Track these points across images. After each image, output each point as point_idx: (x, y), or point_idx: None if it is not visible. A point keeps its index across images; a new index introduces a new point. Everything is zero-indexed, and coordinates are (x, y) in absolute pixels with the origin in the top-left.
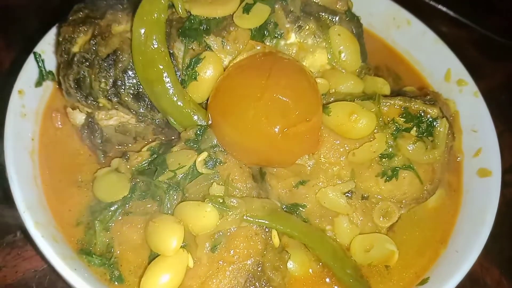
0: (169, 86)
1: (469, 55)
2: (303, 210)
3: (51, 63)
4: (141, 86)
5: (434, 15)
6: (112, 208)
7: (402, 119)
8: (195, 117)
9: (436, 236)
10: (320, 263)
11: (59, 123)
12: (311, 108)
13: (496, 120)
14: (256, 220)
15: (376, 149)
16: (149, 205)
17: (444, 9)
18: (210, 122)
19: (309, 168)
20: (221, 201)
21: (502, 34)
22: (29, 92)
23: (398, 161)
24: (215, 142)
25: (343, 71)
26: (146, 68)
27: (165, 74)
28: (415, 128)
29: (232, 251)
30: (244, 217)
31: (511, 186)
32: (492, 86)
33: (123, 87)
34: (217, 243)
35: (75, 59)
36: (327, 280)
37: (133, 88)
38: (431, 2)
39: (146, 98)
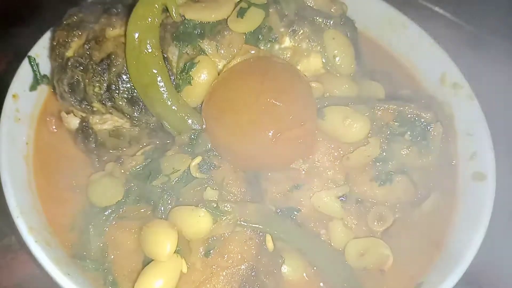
0: (163, 90)
1: (464, 58)
2: (298, 214)
3: (45, 67)
4: (135, 91)
5: (430, 17)
6: (106, 213)
7: (396, 123)
8: (190, 121)
9: (430, 240)
10: (315, 268)
11: (54, 127)
12: (305, 112)
13: (492, 124)
14: (250, 224)
15: (370, 153)
16: (143, 210)
17: (440, 11)
18: (204, 126)
19: (303, 172)
20: (215, 205)
21: (498, 37)
22: (23, 96)
23: (392, 166)
24: (210, 146)
25: (338, 75)
26: (140, 73)
27: (159, 79)
28: (409, 133)
29: (226, 256)
30: (238, 222)
31: (507, 190)
32: (488, 90)
33: (117, 92)
34: (211, 248)
35: (69, 63)
36: (321, 284)
37: (127, 93)
38: (428, 4)
39: (140, 102)
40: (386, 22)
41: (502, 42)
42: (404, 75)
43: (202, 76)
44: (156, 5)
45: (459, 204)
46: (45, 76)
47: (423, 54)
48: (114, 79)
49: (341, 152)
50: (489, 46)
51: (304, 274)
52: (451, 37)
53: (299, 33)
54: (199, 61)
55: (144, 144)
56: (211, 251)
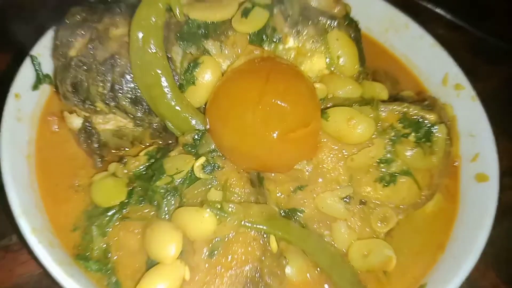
0: (167, 90)
1: (466, 59)
2: (301, 215)
3: (48, 66)
4: (138, 91)
5: (431, 18)
6: (109, 213)
7: (400, 124)
8: (193, 122)
9: (434, 241)
10: (318, 269)
11: (56, 127)
12: (309, 113)
13: (493, 124)
14: (254, 225)
15: (374, 155)
16: (146, 210)
17: (442, 12)
18: (208, 126)
19: (307, 173)
20: (219, 206)
21: (499, 38)
22: (25, 95)
23: (396, 167)
24: (213, 147)
25: (342, 76)
26: (144, 73)
27: (163, 79)
28: (413, 134)
29: (230, 256)
30: (242, 223)
31: (509, 190)
32: (489, 90)
33: (120, 91)
34: (215, 248)
35: (73, 63)
36: (325, 286)
37: (130, 93)
38: (429, 6)
39: (143, 103)
40: (388, 22)
41: (503, 43)
42: (406, 76)
43: (206, 76)
44: (160, 5)
45: (462, 205)
46: (47, 75)
47: (425, 55)
48: (118, 79)
49: (345, 153)
50: (490, 47)
51: (308, 275)
52: (452, 38)
53: (303, 34)
54: (203, 61)
55: (147, 144)
56: (215, 252)
